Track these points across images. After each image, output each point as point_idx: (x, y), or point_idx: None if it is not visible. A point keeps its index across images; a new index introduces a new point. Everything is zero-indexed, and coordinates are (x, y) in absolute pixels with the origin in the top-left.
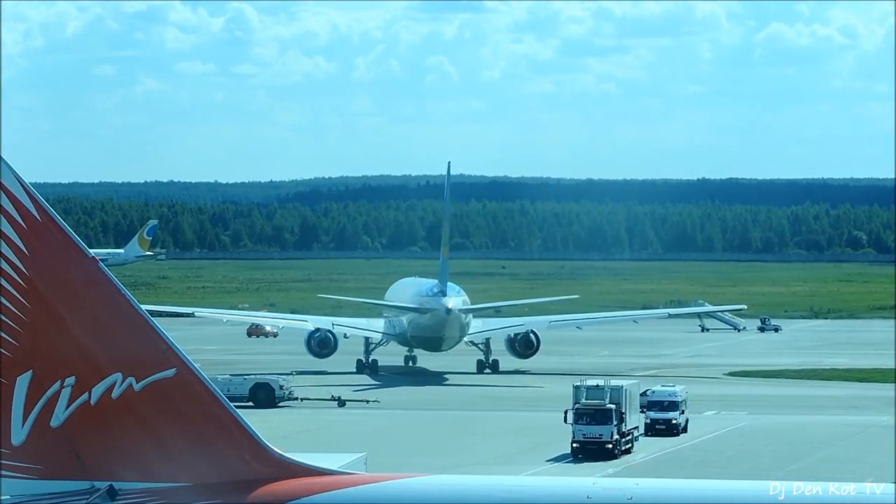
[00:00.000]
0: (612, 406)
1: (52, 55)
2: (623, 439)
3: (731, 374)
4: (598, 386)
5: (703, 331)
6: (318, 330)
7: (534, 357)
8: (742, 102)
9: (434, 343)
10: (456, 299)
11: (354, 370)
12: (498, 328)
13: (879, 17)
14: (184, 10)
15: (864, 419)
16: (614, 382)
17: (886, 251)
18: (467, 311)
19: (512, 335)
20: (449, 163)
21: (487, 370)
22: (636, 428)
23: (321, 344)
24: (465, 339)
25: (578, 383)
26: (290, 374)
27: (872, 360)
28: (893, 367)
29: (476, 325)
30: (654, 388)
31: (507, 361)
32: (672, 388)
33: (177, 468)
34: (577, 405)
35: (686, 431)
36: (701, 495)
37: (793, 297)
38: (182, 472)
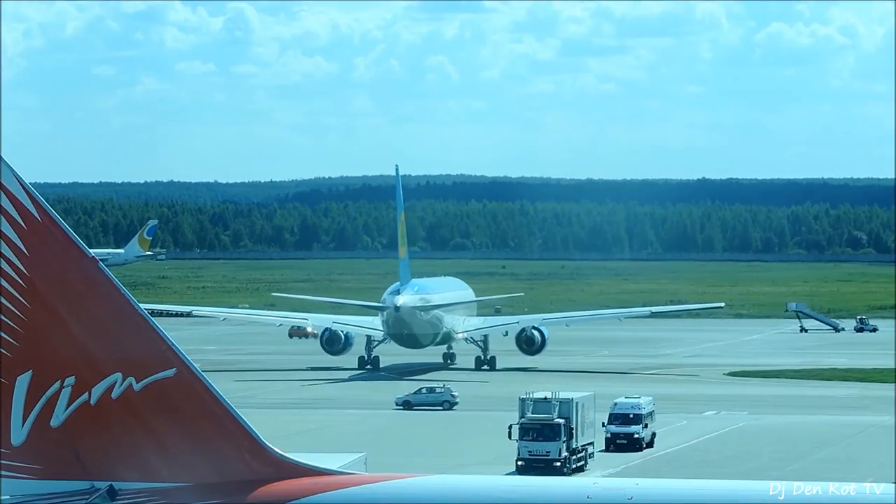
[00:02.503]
0: (561, 421)
1: (52, 55)
2: (574, 456)
3: (731, 374)
4: (545, 399)
5: (801, 331)
6: (327, 329)
7: (540, 355)
8: (742, 102)
9: (406, 340)
10: (411, 297)
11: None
12: (493, 326)
13: (879, 17)
14: (183, 10)
15: (864, 419)
16: (563, 395)
17: (886, 251)
18: (427, 308)
19: (517, 332)
20: (397, 166)
21: (485, 367)
22: (591, 444)
23: (329, 342)
24: (462, 336)
25: (524, 395)
26: None
27: (872, 360)
28: (893, 367)
29: (476, 322)
30: (616, 400)
31: (517, 359)
32: (636, 400)
33: (177, 468)
34: (522, 420)
35: (652, 446)
36: (701, 495)
37: (793, 297)
38: (182, 472)
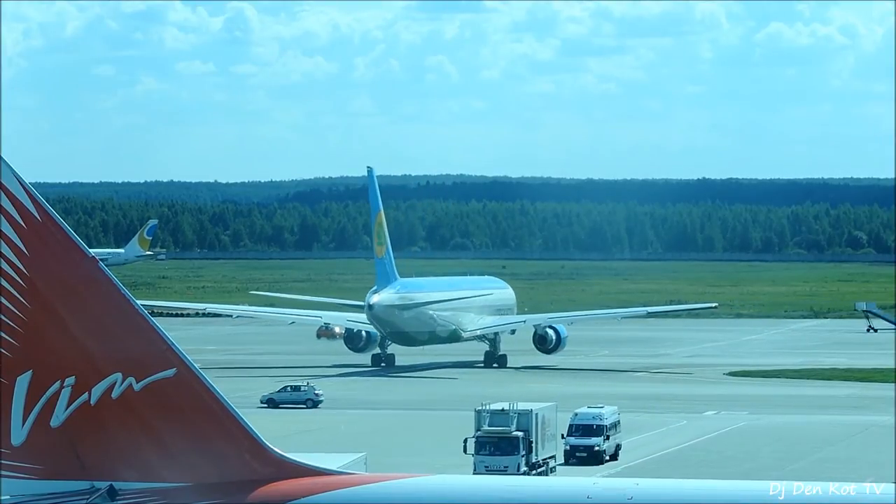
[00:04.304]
0: (520, 434)
1: (52, 55)
2: (533, 471)
3: (731, 374)
4: (502, 410)
5: (867, 331)
6: (347, 328)
7: (558, 353)
8: (742, 102)
9: (397, 337)
10: (388, 296)
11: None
12: (501, 325)
13: (879, 17)
14: (183, 9)
15: (864, 419)
16: (522, 406)
17: (886, 251)
18: (410, 306)
19: (533, 331)
20: (370, 168)
21: (495, 364)
22: (552, 457)
23: (349, 340)
24: (472, 333)
25: (480, 407)
26: None
27: (872, 360)
28: (893, 367)
29: (486, 321)
30: (577, 410)
31: (530, 359)
32: (599, 410)
33: (177, 468)
34: (478, 433)
35: (616, 458)
36: (701, 495)
37: (793, 297)
38: (182, 472)
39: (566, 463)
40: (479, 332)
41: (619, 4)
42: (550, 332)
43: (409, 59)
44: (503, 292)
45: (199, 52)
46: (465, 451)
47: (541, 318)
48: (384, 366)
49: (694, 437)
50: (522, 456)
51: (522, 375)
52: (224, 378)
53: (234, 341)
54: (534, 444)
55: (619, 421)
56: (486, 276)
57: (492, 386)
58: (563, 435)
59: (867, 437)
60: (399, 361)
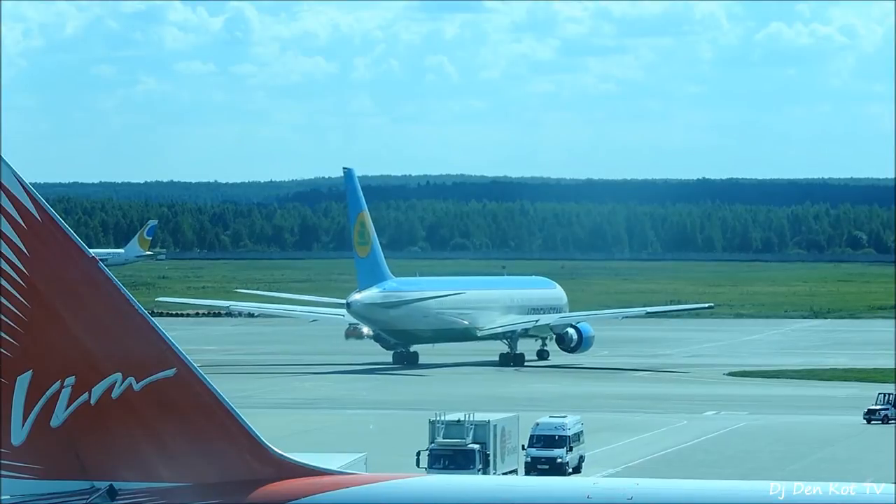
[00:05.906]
0: (476, 446)
1: (52, 55)
2: None
3: (731, 374)
4: (458, 421)
5: None
6: None
7: (582, 353)
8: (742, 102)
9: (395, 336)
10: (371, 294)
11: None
12: (514, 324)
13: (879, 17)
14: (183, 9)
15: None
16: (479, 417)
17: (886, 251)
18: (397, 304)
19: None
20: (349, 169)
21: (512, 364)
22: (513, 472)
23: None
24: (488, 332)
25: (434, 418)
26: None
27: (872, 360)
28: (893, 367)
29: (502, 320)
30: (539, 420)
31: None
32: (561, 420)
33: (177, 468)
34: (432, 445)
35: (580, 471)
36: (701, 495)
37: (793, 297)
38: (182, 472)
39: (527, 475)
40: (498, 331)
41: (619, 4)
42: (571, 331)
43: (409, 59)
44: (544, 292)
45: (199, 52)
46: (417, 464)
47: (551, 318)
48: (406, 364)
49: (694, 437)
50: (479, 470)
51: (524, 375)
52: (227, 377)
53: (234, 341)
54: (491, 458)
55: (582, 431)
56: (533, 276)
57: (495, 386)
58: (523, 446)
59: (867, 437)
60: (423, 360)
